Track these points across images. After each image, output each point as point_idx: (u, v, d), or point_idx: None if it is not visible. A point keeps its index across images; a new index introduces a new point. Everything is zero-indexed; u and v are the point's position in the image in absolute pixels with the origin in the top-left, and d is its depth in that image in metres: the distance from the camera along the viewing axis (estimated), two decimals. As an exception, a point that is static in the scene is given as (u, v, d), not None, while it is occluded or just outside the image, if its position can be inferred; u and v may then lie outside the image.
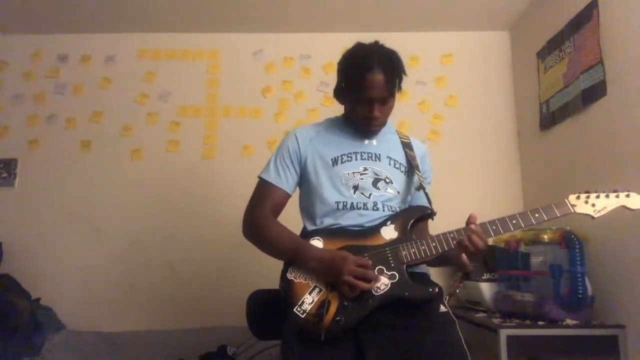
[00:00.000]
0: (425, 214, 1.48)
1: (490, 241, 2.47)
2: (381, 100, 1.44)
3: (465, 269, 1.36)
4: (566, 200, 1.41)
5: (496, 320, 2.05)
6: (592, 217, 1.39)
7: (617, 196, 1.40)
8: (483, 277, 2.37)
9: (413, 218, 1.45)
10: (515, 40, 3.03)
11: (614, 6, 2.09)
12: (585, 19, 2.25)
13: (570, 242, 2.00)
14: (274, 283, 1.44)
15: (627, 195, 1.40)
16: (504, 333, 1.92)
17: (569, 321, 1.97)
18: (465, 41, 3.06)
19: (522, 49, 2.93)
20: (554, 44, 2.53)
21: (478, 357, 2.11)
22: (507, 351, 1.90)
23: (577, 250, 1.98)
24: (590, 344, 1.97)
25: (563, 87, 2.43)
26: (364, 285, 1.28)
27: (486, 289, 2.32)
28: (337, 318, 1.28)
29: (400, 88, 1.49)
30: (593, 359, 2.00)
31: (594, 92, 2.17)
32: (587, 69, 2.22)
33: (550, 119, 2.57)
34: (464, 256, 1.34)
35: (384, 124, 1.53)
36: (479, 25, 3.02)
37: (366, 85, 1.40)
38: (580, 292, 1.96)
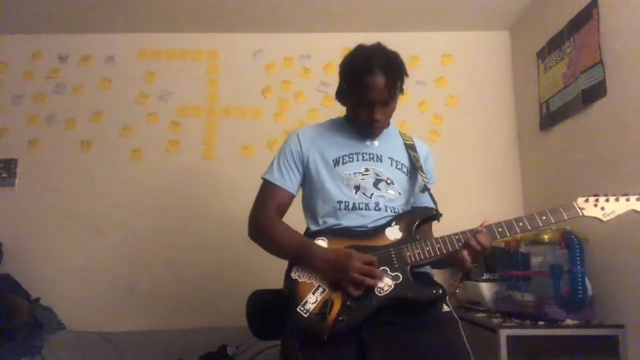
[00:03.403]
0: (430, 216, 1.48)
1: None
2: (382, 103, 1.44)
3: (465, 266, 1.36)
4: (574, 203, 1.38)
5: (496, 320, 2.05)
6: (601, 221, 1.37)
7: (627, 199, 1.37)
8: (483, 277, 2.37)
9: (418, 219, 1.45)
10: (515, 40, 3.03)
11: (614, 6, 2.09)
12: (585, 19, 2.25)
13: (570, 242, 2.00)
14: (274, 283, 1.44)
15: (638, 199, 1.36)
16: (503, 333, 1.93)
17: (569, 321, 1.98)
18: (465, 41, 3.06)
19: (522, 49, 2.93)
20: (554, 44, 2.53)
21: (478, 357, 2.12)
22: (507, 351, 1.91)
23: (577, 250, 1.99)
24: (590, 344, 1.97)
25: (563, 87, 2.43)
26: (369, 281, 1.29)
27: (486, 289, 2.32)
28: (340, 318, 1.28)
29: (402, 90, 1.48)
30: (593, 359, 2.00)
31: (594, 92, 2.17)
32: (587, 69, 2.22)
33: (550, 119, 2.57)
34: (465, 253, 1.34)
35: (386, 125, 1.53)
36: (479, 25, 3.02)
37: (367, 88, 1.40)
38: (580, 292, 1.96)
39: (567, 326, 1.96)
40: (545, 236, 2.09)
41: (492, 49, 3.06)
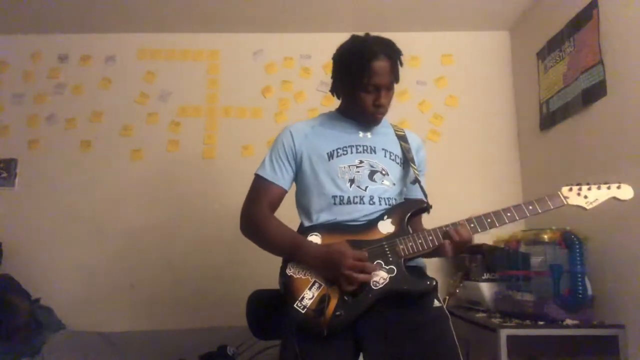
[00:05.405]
0: (421, 208, 1.50)
1: (490, 240, 2.48)
2: (387, 87, 1.47)
3: (444, 254, 1.40)
4: (559, 192, 1.42)
5: (496, 320, 2.06)
6: (585, 209, 1.40)
7: (608, 187, 1.41)
8: (483, 277, 2.37)
9: (409, 212, 1.46)
10: (515, 40, 3.03)
11: (614, 6, 2.09)
12: (585, 19, 2.25)
13: (570, 242, 2.00)
14: (274, 283, 1.44)
15: (618, 187, 1.41)
16: (504, 333, 1.93)
17: (569, 321, 1.97)
18: (465, 41, 3.06)
19: (522, 49, 2.93)
20: (554, 44, 2.53)
21: (478, 357, 2.12)
22: (507, 351, 1.91)
23: (577, 250, 1.99)
24: (590, 344, 1.97)
25: (563, 87, 2.43)
26: (363, 277, 1.30)
27: (486, 289, 2.32)
28: (337, 313, 1.29)
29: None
30: (593, 358, 2.00)
31: (594, 92, 2.17)
32: (587, 69, 2.22)
33: (550, 119, 2.57)
34: (447, 243, 1.37)
35: (387, 111, 1.54)
36: (479, 25, 3.02)
37: (373, 72, 1.42)
38: (580, 292, 1.96)
39: (567, 326, 1.96)
40: (545, 236, 2.09)
41: (492, 49, 3.06)
